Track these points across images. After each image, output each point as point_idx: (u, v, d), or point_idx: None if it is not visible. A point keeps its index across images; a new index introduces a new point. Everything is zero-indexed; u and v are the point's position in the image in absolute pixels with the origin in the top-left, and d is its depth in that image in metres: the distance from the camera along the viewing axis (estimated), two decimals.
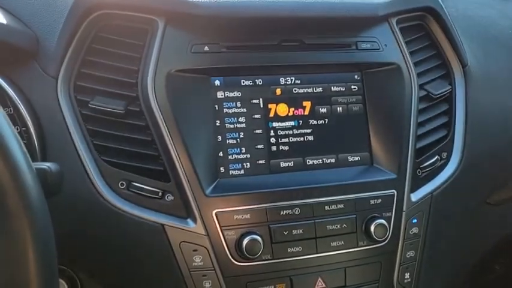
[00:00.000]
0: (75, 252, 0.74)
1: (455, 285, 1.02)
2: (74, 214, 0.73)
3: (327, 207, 0.81)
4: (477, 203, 0.97)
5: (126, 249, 0.74)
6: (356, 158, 0.87)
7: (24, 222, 0.51)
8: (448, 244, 0.93)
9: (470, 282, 1.23)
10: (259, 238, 0.76)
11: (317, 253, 0.80)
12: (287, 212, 0.79)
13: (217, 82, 0.82)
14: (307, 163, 0.85)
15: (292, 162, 0.84)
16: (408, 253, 0.86)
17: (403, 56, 0.90)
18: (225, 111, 0.82)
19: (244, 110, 0.83)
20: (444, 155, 0.93)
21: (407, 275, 0.86)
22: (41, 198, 0.54)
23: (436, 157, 0.92)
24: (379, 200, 0.84)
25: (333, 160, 0.86)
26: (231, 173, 0.81)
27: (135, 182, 0.75)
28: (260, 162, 0.83)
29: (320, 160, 0.86)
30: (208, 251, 0.75)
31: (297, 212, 0.80)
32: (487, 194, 0.99)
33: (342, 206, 0.82)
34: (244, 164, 0.82)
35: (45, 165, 0.59)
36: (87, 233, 0.74)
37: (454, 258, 0.95)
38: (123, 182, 0.75)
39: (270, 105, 0.84)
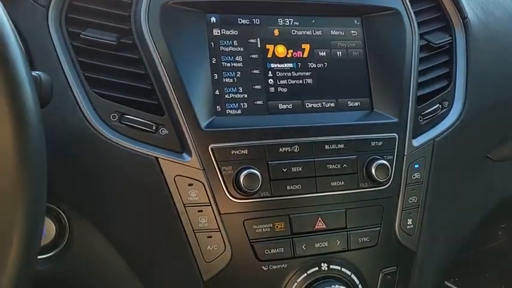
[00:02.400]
0: (64, 185, 0.71)
1: (457, 245, 0.99)
2: (64, 145, 0.70)
3: (326, 147, 0.79)
4: (479, 155, 0.95)
5: (118, 182, 0.71)
6: (356, 103, 0.85)
7: (14, 122, 0.49)
8: (451, 196, 0.91)
9: (474, 248, 1.21)
10: (257, 172, 0.73)
11: (317, 192, 0.77)
12: (286, 149, 0.77)
13: (213, 19, 0.79)
14: (306, 106, 0.83)
15: (290, 105, 0.82)
16: (410, 198, 0.84)
17: (403, 2, 0.89)
18: (221, 49, 0.79)
19: (241, 49, 0.80)
20: (445, 103, 0.91)
21: (409, 221, 0.83)
22: (35, 101, 0.51)
23: (437, 105, 0.90)
24: (380, 143, 0.82)
25: (332, 104, 0.84)
26: (227, 112, 0.78)
27: (127, 115, 0.73)
28: (258, 102, 0.80)
29: (319, 104, 0.83)
30: (204, 185, 0.72)
31: (296, 150, 0.77)
32: (489, 147, 0.97)
33: (342, 146, 0.80)
34: (242, 103, 0.79)
35: (36, 73, 0.56)
36: (78, 164, 0.71)
37: (457, 212, 0.93)
38: (115, 114, 0.73)
39: (267, 46, 0.82)
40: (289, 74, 0.83)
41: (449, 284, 1.59)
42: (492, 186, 1.02)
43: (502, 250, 1.25)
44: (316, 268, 0.76)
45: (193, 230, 0.72)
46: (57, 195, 0.72)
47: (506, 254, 1.28)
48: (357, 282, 0.78)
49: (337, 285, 0.75)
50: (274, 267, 0.74)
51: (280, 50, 0.83)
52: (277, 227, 0.75)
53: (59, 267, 0.74)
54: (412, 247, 0.84)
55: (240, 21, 0.81)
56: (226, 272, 0.73)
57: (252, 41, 0.81)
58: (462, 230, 0.98)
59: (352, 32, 0.87)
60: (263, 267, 0.74)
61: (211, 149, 0.73)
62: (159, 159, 0.72)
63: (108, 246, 0.74)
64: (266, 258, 0.74)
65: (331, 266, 0.77)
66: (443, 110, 0.91)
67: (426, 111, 0.88)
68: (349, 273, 0.77)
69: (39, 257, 0.74)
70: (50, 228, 0.74)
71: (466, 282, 1.58)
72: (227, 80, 0.79)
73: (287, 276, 0.75)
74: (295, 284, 0.75)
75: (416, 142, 0.86)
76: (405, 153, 0.84)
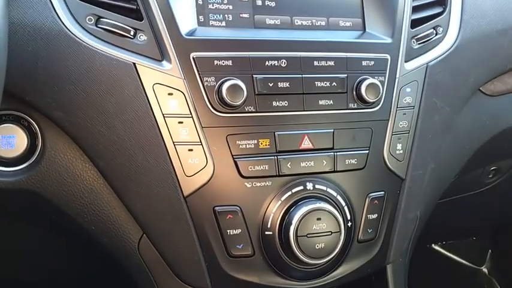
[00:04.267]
0: (34, 91, 0.66)
1: (448, 178, 0.97)
2: (35, 47, 0.65)
3: (315, 63, 0.75)
4: (472, 85, 0.92)
5: (92, 88, 0.66)
6: (348, 23, 0.81)
7: None
8: (443, 125, 0.87)
9: (467, 190, 1.19)
10: (241, 85, 0.69)
11: (304, 110, 0.74)
12: (273, 63, 0.73)
13: None
14: (295, 23, 0.78)
15: (278, 20, 0.77)
16: (401, 123, 0.81)
17: None
18: None
19: None
20: (440, 29, 0.88)
21: (399, 146, 0.81)
22: None
23: (431, 30, 0.87)
24: (372, 62, 0.78)
25: (323, 23, 0.80)
26: (211, 24, 0.74)
27: (104, 18, 0.68)
28: (243, 15, 0.76)
29: (309, 21, 0.79)
30: (184, 95, 0.68)
31: (283, 64, 0.73)
32: (483, 79, 0.94)
33: (332, 63, 0.76)
34: (226, 15, 0.75)
35: None
36: (49, 68, 0.65)
37: (449, 142, 0.90)
38: (91, 17, 0.67)
39: None
40: None
41: (437, 247, 1.60)
42: (485, 120, 0.99)
43: (494, 194, 1.24)
44: (301, 187, 0.73)
45: (173, 142, 0.68)
46: (28, 102, 0.67)
47: (497, 199, 1.28)
48: (343, 203, 0.75)
49: (322, 203, 0.72)
50: (258, 184, 0.71)
51: None
52: (261, 143, 0.72)
53: (30, 180, 0.70)
54: (401, 173, 0.82)
55: None
56: (207, 188, 0.70)
57: None
58: (453, 163, 0.95)
59: None
60: (246, 184, 0.71)
61: (193, 58, 0.69)
62: (136, 65, 0.67)
63: (83, 158, 0.70)
64: (249, 175, 0.71)
65: (317, 186, 0.74)
66: (438, 36, 0.87)
67: (420, 35, 0.85)
68: (335, 194, 0.75)
69: (11, 169, 0.70)
70: (21, 139, 0.70)
71: (453, 245, 1.59)
72: None
73: (271, 194, 0.72)
74: (279, 202, 0.72)
75: (409, 66, 0.82)
76: (397, 76, 0.80)
